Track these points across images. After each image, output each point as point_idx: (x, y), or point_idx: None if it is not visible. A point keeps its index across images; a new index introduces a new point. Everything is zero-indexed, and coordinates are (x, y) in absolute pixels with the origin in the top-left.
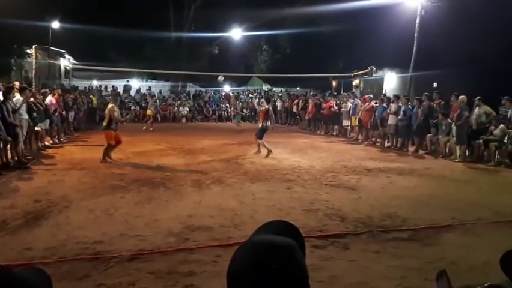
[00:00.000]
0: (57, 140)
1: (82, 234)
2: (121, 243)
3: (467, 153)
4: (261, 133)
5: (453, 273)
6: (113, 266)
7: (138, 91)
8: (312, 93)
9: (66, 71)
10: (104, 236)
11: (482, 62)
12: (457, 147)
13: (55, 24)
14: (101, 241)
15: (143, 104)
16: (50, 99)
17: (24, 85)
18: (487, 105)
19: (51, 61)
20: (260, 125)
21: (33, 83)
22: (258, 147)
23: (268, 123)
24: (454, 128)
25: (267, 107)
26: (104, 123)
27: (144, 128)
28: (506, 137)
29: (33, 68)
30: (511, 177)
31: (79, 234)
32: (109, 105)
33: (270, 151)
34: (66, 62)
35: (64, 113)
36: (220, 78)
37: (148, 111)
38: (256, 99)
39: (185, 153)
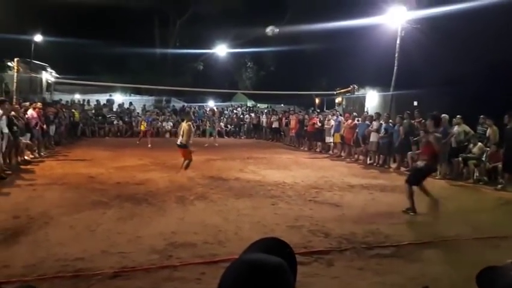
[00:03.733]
0: (37, 155)
1: (62, 251)
2: (103, 260)
3: (447, 171)
4: (419, 175)
5: None
6: (95, 283)
7: (121, 105)
8: (293, 109)
9: (48, 84)
10: (86, 253)
11: (460, 82)
12: (438, 165)
13: (38, 38)
14: (82, 258)
15: (126, 119)
16: (30, 112)
17: (2, 98)
18: (465, 125)
19: (33, 74)
20: (421, 163)
21: (14, 97)
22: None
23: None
24: None
25: (438, 135)
26: (184, 142)
27: (138, 142)
28: (484, 155)
29: (15, 81)
30: (490, 194)
31: (59, 251)
32: (186, 123)
33: (412, 208)
34: (48, 76)
35: (44, 127)
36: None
37: (142, 127)
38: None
39: (169, 168)
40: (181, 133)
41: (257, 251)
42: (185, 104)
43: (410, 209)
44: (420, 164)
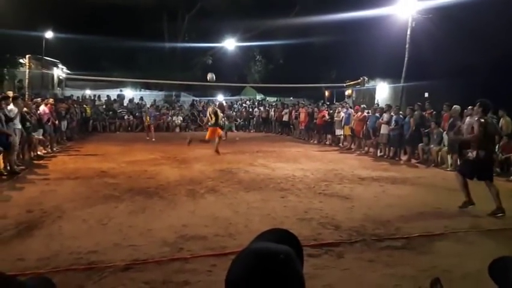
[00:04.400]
0: (50, 150)
1: (75, 245)
2: (115, 253)
3: (458, 162)
4: (468, 166)
5: (446, 281)
6: (108, 276)
7: (131, 100)
8: (302, 102)
9: (59, 80)
10: (98, 246)
11: (472, 72)
12: (449, 156)
13: (49, 34)
14: (95, 251)
15: (137, 114)
16: (43, 108)
17: (16, 94)
18: None
19: (45, 71)
20: (471, 154)
21: (26, 93)
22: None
23: (487, 151)
24: (445, 137)
25: (482, 120)
26: (213, 122)
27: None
28: (496, 146)
29: (27, 77)
30: (502, 186)
31: (72, 244)
32: (211, 108)
33: (468, 201)
34: (59, 72)
35: (56, 122)
36: (211, 77)
37: (146, 121)
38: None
39: (179, 162)
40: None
41: (264, 241)
42: (196, 99)
43: (466, 202)
44: (470, 154)
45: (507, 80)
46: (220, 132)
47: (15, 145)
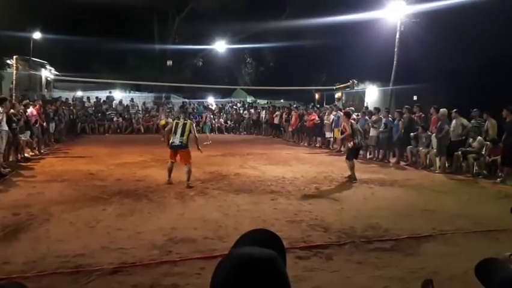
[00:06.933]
0: (37, 152)
1: (62, 248)
2: (103, 256)
3: (446, 165)
4: (351, 153)
5: (434, 282)
6: (95, 279)
7: (120, 102)
8: (295, 106)
9: (47, 82)
10: (86, 249)
11: (460, 76)
12: (437, 159)
13: (36, 35)
14: (83, 254)
15: (126, 116)
16: (30, 110)
17: (3, 96)
18: (463, 118)
19: (32, 72)
20: (350, 144)
21: (13, 94)
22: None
23: (358, 140)
24: (433, 140)
25: (351, 122)
26: (185, 141)
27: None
28: (483, 149)
29: (14, 78)
30: (489, 188)
31: (59, 247)
32: (189, 121)
33: (353, 177)
34: (47, 73)
35: (44, 124)
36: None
37: (162, 121)
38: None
39: None
40: (181, 132)
41: (247, 244)
42: (186, 100)
43: (352, 177)
44: (349, 144)
45: (494, 83)
46: (187, 156)
47: (1, 147)
